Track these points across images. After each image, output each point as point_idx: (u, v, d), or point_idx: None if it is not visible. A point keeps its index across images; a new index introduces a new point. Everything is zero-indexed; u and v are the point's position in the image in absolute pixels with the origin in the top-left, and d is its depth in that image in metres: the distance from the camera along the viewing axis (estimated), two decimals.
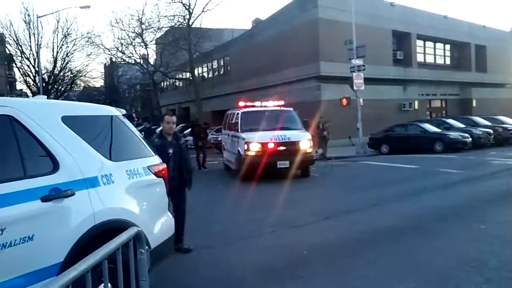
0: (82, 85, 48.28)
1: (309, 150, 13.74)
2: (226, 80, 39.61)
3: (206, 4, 48.77)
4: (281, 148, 13.23)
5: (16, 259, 2.95)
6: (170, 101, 51.51)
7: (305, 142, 13.69)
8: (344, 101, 23.35)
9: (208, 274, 5.22)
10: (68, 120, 3.64)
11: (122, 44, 39.67)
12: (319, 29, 27.42)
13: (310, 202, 9.85)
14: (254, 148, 13.17)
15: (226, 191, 12.06)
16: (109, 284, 2.61)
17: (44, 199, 3.16)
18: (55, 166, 3.36)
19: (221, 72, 42.44)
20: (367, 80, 23.44)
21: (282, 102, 15.76)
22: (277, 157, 13.03)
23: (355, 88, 22.66)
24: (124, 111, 4.47)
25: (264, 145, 13.16)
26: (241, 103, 15.59)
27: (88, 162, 3.62)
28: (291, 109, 15.39)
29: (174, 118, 6.40)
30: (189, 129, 22.39)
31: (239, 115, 14.79)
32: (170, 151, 6.13)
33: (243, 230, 7.23)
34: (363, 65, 22.75)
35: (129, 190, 3.91)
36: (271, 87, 30.49)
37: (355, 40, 22.95)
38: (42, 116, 3.48)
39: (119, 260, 2.42)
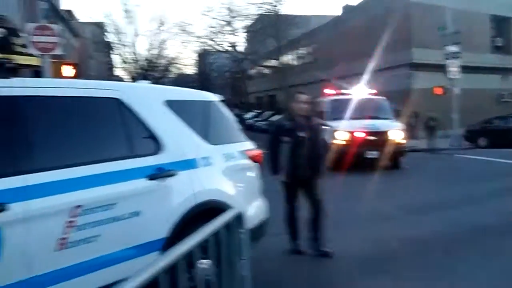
0: (176, 72, 50.39)
1: (401, 141, 13.17)
2: (314, 67, 39.20)
3: None
4: (371, 138, 12.77)
5: (126, 232, 3.18)
6: (258, 88, 52.12)
7: (396, 132, 13.16)
8: (438, 90, 22.21)
9: (297, 264, 5.23)
10: (171, 104, 3.82)
11: (212, 32, 40.81)
12: (411, 14, 26.23)
13: (400, 195, 9.52)
14: (342, 137, 12.85)
15: None
16: (210, 261, 2.74)
17: (150, 178, 3.36)
18: (159, 147, 3.56)
19: (309, 59, 42.12)
20: (463, 68, 22.08)
21: (374, 91, 15.20)
22: (366, 147, 12.60)
23: (450, 76, 21.47)
24: (221, 97, 4.61)
25: (352, 134, 12.81)
26: (328, 91, 15.24)
27: (188, 145, 3.79)
28: (384, 97, 14.81)
29: (306, 97, 5.46)
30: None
31: (328, 103, 14.50)
32: (302, 134, 5.25)
33: (330, 221, 7.18)
34: (459, 52, 21.46)
35: (225, 173, 4.05)
36: (360, 75, 29.75)
37: (450, 25, 21.68)
38: (147, 100, 3.69)
39: (223, 239, 2.52)
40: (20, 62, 14.27)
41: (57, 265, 2.79)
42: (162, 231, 3.39)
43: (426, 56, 25.49)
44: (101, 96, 3.42)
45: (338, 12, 45.19)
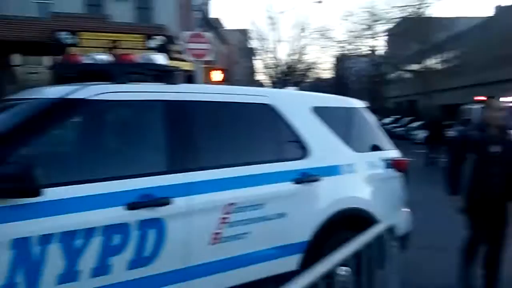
0: (313, 77, 50.88)
1: None
2: (460, 72, 36.57)
3: None
4: None
5: (272, 232, 3.34)
6: (396, 93, 50.21)
7: None
8: None
9: (442, 279, 4.96)
10: (317, 111, 3.91)
11: (352, 37, 40.33)
12: None
13: None
14: None
15: None
16: (349, 269, 2.76)
17: (296, 182, 3.49)
18: (305, 152, 3.67)
19: (454, 64, 39.38)
20: None
21: None
22: None
23: None
24: (366, 103, 4.58)
25: None
26: (479, 98, 14.14)
27: (333, 151, 3.85)
28: None
29: (499, 103, 4.50)
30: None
31: (476, 111, 13.38)
32: (494, 149, 4.22)
33: None
34: None
35: (368, 181, 4.02)
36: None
37: None
38: (295, 106, 3.83)
39: (374, 251, 2.53)
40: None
41: (210, 258, 3.03)
42: (305, 234, 3.49)
43: None
44: (254, 102, 3.65)
45: (488, 13, 41.55)
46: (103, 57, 3.33)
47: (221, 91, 3.70)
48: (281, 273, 3.36)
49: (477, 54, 33.79)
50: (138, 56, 3.38)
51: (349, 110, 4.32)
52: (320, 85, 58.69)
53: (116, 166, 2.94)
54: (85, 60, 3.33)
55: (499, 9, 36.64)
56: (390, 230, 2.63)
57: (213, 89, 3.88)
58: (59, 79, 3.47)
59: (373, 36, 40.23)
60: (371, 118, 4.49)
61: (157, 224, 2.80)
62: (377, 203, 4.00)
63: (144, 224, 2.75)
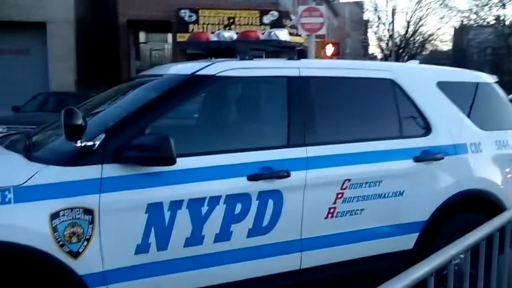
0: (430, 49, 48.07)
1: None
2: None
3: None
4: None
5: (388, 210, 3.31)
6: None
7: None
8: None
9: None
10: (443, 86, 3.74)
11: (476, 6, 37.25)
12: None
13: None
14: None
15: None
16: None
17: (416, 160, 3.38)
18: (427, 129, 3.55)
19: None
20: None
21: None
22: None
23: None
24: (496, 78, 4.27)
25: None
26: None
27: (458, 129, 3.67)
28: None
29: None
30: None
31: None
32: None
33: None
34: None
35: (495, 161, 3.79)
36: None
37: None
38: (419, 81, 3.69)
39: (507, 237, 2.41)
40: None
41: (324, 231, 3.10)
42: (423, 214, 3.41)
43: None
44: (377, 77, 3.59)
45: None
46: (229, 34, 3.49)
47: (342, 66, 3.69)
48: (396, 251, 3.35)
49: None
50: (261, 33, 3.49)
51: (477, 85, 4.05)
52: (437, 58, 55.26)
53: (240, 139, 3.11)
54: (212, 37, 3.51)
55: None
56: None
57: (334, 64, 3.89)
58: (186, 55, 3.71)
59: (501, 4, 36.76)
60: (501, 94, 4.18)
61: (276, 195, 2.91)
62: (502, 185, 3.77)
63: (264, 195, 2.87)
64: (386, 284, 1.40)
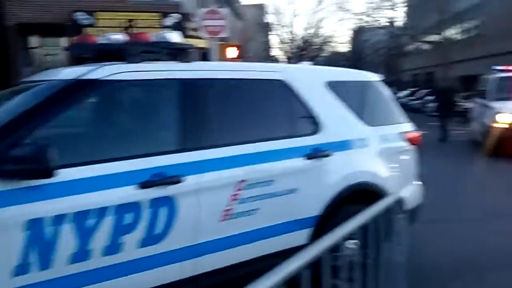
0: (330, 50, 50.36)
1: None
2: (479, 42, 35.73)
3: None
4: None
5: (282, 208, 3.40)
6: (413, 65, 49.40)
7: None
8: None
9: (450, 251, 4.98)
10: (331, 85, 3.92)
11: (370, 8, 39.75)
12: None
13: None
14: (505, 120, 11.38)
15: (467, 165, 10.78)
16: (357, 242, 2.79)
17: (307, 157, 3.52)
18: (317, 127, 3.70)
19: (474, 34, 38.45)
20: None
21: None
22: None
23: None
24: (381, 76, 4.57)
25: None
26: (498, 67, 13.43)
27: (345, 126, 3.87)
28: None
29: None
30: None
31: (493, 81, 12.89)
32: None
33: (489, 208, 6.63)
34: None
35: (381, 155, 4.04)
36: None
37: None
38: (308, 81, 3.84)
39: (382, 224, 2.57)
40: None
41: (220, 234, 3.10)
42: (315, 209, 3.54)
43: None
44: (267, 78, 3.68)
45: None
46: (118, 36, 3.38)
47: (233, 68, 3.72)
48: (291, 247, 3.41)
49: (496, 23, 32.89)
50: (153, 35, 3.42)
51: (364, 84, 4.32)
52: (336, 59, 58.01)
53: (129, 146, 3.00)
54: (100, 40, 3.38)
55: None
56: (399, 202, 2.65)
57: (225, 66, 3.91)
58: (75, 60, 3.53)
59: (392, 7, 39.55)
60: (385, 91, 4.48)
61: (169, 202, 2.86)
62: (388, 177, 4.03)
63: (156, 203, 2.81)
64: (257, 282, 1.42)
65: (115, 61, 3.11)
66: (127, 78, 2.99)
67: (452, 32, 41.26)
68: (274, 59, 54.06)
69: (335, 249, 2.06)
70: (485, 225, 5.89)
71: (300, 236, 3.47)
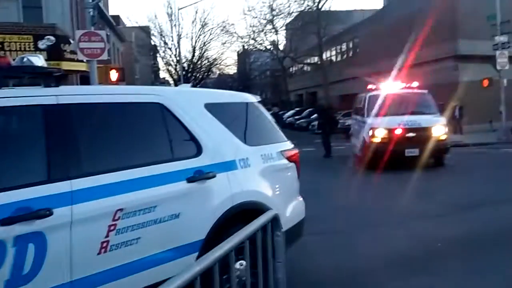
0: (217, 72, 51.13)
1: (443, 137, 12.58)
2: (355, 63, 38.70)
3: None
4: (410, 134, 12.28)
5: (165, 234, 3.27)
6: (298, 86, 51.99)
7: (438, 128, 12.57)
8: (485, 82, 21.45)
9: (334, 261, 5.22)
10: (210, 107, 3.90)
11: (253, 32, 41.17)
12: (458, 4, 25.39)
13: (442, 193, 9.28)
14: (380, 135, 12.39)
15: (349, 178, 11.47)
16: (245, 262, 2.79)
17: (190, 180, 3.44)
18: (198, 149, 3.65)
19: (350, 55, 41.59)
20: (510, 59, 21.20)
21: (416, 84, 14.38)
22: (406, 145, 12.08)
23: (498, 68, 20.69)
24: (259, 98, 4.67)
25: (391, 131, 12.32)
26: (371, 86, 14.62)
27: (227, 147, 3.87)
28: (425, 91, 14.06)
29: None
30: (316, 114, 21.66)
31: (367, 99, 13.98)
32: None
33: (369, 218, 7.09)
34: (508, 43, 20.65)
35: (263, 174, 4.10)
36: (403, 69, 29.12)
37: (499, 15, 20.85)
38: (188, 104, 3.79)
39: (259, 241, 2.57)
40: (68, 68, 14.89)
41: (99, 268, 2.90)
42: (201, 233, 3.46)
43: (473, 47, 24.65)
44: (144, 101, 3.57)
45: (380, 5, 44.41)
46: None
47: (107, 92, 3.57)
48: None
49: (369, 45, 35.89)
50: (14, 59, 3.16)
51: (242, 105, 4.37)
52: (224, 81, 59.08)
53: None
54: None
55: (389, 1, 39.18)
56: (275, 220, 2.69)
57: (98, 90, 3.74)
58: None
59: (274, 31, 41.28)
60: (264, 112, 4.58)
61: (37, 238, 2.63)
62: (272, 195, 4.10)
63: (22, 240, 2.57)
64: None
65: None
66: None
67: (331, 54, 44.19)
68: (163, 82, 53.54)
69: (225, 270, 2.02)
70: (360, 235, 6.25)
71: (186, 262, 3.33)
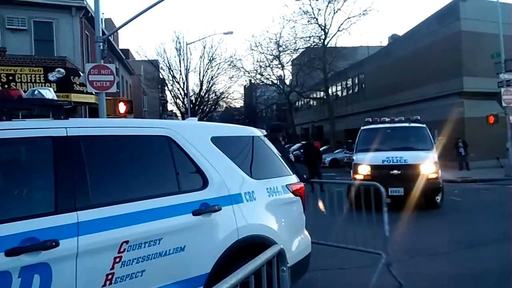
0: (224, 105, 51.59)
1: (433, 176, 11.24)
2: (361, 98, 39.05)
3: (342, 24, 48.75)
4: (394, 172, 11.20)
5: (170, 267, 3.26)
6: (304, 120, 52.31)
7: (427, 165, 11.31)
8: (491, 119, 21.50)
9: None
10: (217, 140, 3.95)
11: (260, 67, 41.69)
12: (462, 42, 25.69)
13: (450, 229, 9.19)
14: (362, 171, 11.50)
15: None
16: None
17: (195, 213, 3.46)
18: (204, 182, 3.67)
19: (355, 90, 41.95)
20: None
21: (416, 118, 13.19)
22: (389, 183, 10.49)
23: (503, 104, 20.76)
24: (264, 132, 4.71)
25: (373, 167, 11.40)
26: (368, 119, 13.71)
27: (233, 180, 3.89)
28: (423, 125, 12.81)
29: None
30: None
31: (358, 133, 13.12)
32: None
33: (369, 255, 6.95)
34: None
35: (269, 207, 4.10)
36: (408, 105, 29.30)
37: (503, 52, 21.07)
38: (194, 137, 3.83)
39: (264, 276, 2.56)
40: (78, 100, 15.11)
41: None
42: (206, 266, 3.45)
43: (478, 84, 24.81)
44: (152, 134, 3.62)
45: (385, 42, 45.07)
46: None
47: (116, 125, 3.62)
48: None
49: (375, 80, 36.25)
50: (25, 91, 3.23)
51: (248, 139, 4.41)
52: (230, 114, 59.55)
53: None
54: None
55: (394, 38, 39.76)
56: (281, 254, 2.67)
57: (108, 123, 3.80)
58: None
59: (280, 66, 41.80)
60: (269, 145, 4.62)
61: (43, 269, 2.64)
62: (277, 229, 4.08)
63: (28, 271, 2.58)
64: None
65: None
66: None
67: (336, 89, 44.60)
68: (170, 114, 54.02)
69: None
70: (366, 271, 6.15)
71: None
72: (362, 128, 13.36)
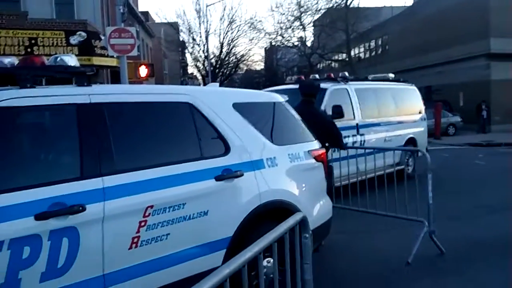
0: (245, 68, 51.24)
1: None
2: (384, 60, 38.25)
3: None
4: None
5: (194, 231, 3.34)
6: None
7: None
8: None
9: (361, 263, 5.22)
10: (238, 107, 3.94)
11: (281, 28, 41.01)
12: (490, 1, 24.77)
13: (477, 192, 9.12)
14: None
15: None
16: (272, 260, 2.81)
17: (218, 179, 3.50)
18: (226, 149, 3.69)
19: (379, 52, 41.10)
20: None
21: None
22: None
23: None
24: (287, 97, 4.67)
25: None
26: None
27: (255, 146, 3.90)
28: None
29: None
30: None
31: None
32: None
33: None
34: None
35: (290, 173, 4.11)
36: (433, 67, 28.66)
37: None
38: (216, 103, 3.83)
39: (286, 243, 2.59)
40: (99, 64, 15.17)
41: (130, 263, 2.98)
42: (228, 230, 3.52)
43: (506, 45, 24.02)
44: (174, 101, 3.63)
45: (409, 2, 43.68)
46: (9, 60, 3.17)
47: (138, 91, 3.63)
48: (206, 270, 3.36)
49: (398, 42, 35.40)
50: (47, 58, 3.25)
51: (270, 105, 4.38)
52: (251, 77, 59.14)
53: (27, 175, 2.82)
54: None
55: None
56: (303, 222, 2.70)
57: (130, 89, 3.80)
58: None
59: (302, 27, 41.07)
60: (291, 111, 4.59)
61: (71, 233, 2.72)
62: (299, 194, 4.12)
63: (56, 234, 2.66)
64: None
65: (7, 86, 2.91)
66: (19, 105, 2.81)
67: (359, 51, 43.76)
68: (191, 77, 53.96)
69: (252, 267, 2.03)
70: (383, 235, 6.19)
71: (214, 259, 3.41)
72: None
